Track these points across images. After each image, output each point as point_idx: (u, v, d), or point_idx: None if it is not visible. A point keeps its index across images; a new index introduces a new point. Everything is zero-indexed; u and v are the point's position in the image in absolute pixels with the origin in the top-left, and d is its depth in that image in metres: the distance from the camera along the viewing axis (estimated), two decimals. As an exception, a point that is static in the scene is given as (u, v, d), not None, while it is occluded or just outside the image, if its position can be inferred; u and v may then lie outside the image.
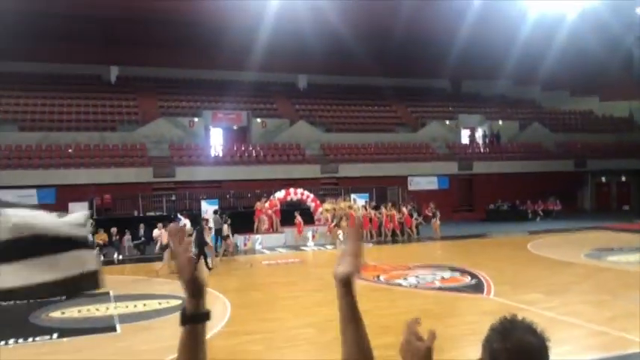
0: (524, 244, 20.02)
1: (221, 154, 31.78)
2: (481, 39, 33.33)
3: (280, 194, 24.08)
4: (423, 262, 16.50)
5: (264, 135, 34.27)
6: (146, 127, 31.44)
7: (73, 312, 11.51)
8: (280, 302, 12.19)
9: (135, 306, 11.84)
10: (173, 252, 1.67)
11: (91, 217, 23.59)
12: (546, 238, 22.17)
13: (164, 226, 17.95)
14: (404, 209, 23.95)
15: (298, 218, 22.39)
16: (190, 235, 18.16)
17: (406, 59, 38.07)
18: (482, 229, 25.56)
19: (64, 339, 9.54)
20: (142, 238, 20.98)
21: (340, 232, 22.51)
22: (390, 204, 24.97)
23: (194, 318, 1.63)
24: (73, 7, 27.89)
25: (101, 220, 23.02)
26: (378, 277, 14.48)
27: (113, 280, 15.64)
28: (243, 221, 21.73)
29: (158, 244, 18.13)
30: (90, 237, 2.61)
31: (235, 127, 35.86)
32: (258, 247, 21.56)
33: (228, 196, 27.51)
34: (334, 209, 23.09)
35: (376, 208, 24.17)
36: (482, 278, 13.53)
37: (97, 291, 2.42)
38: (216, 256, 18.08)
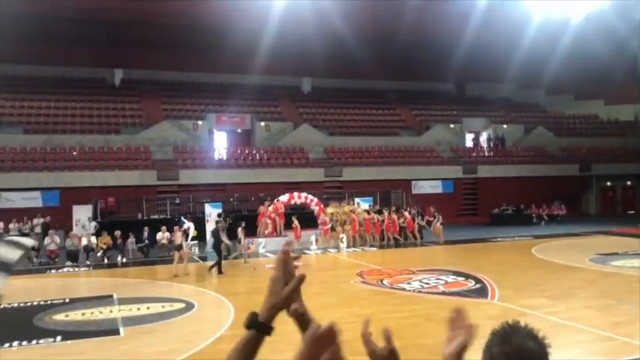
0: (529, 249, 19.94)
1: (225, 158, 31.83)
2: (485, 42, 33.31)
3: (284, 198, 24.05)
4: (427, 267, 16.44)
5: (267, 138, 34.31)
6: (150, 130, 31.53)
7: (77, 315, 11.51)
8: (283, 306, 12.16)
9: (138, 309, 11.84)
10: (276, 277, 1.66)
11: (95, 219, 23.67)
12: (551, 242, 22.07)
13: (180, 228, 18.19)
14: (406, 213, 23.87)
15: (295, 223, 22.28)
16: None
17: (410, 62, 38.08)
18: (487, 234, 25.47)
19: (68, 341, 9.54)
20: (146, 241, 20.99)
21: (343, 235, 22.50)
22: (394, 207, 24.94)
23: (262, 327, 1.61)
24: (77, 11, 28.02)
25: (105, 223, 23.08)
26: (382, 281, 14.45)
27: (117, 283, 15.68)
28: (246, 224, 21.67)
29: (172, 244, 18.21)
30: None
31: (239, 131, 35.92)
32: (261, 250, 21.54)
33: (231, 200, 27.52)
34: (331, 213, 23.02)
35: (379, 212, 24.12)
36: (486, 282, 13.48)
37: None
38: (225, 258, 18.12)
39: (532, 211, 30.88)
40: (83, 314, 11.55)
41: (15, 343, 9.32)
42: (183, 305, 11.97)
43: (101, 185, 26.55)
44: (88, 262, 19.75)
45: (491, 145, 38.34)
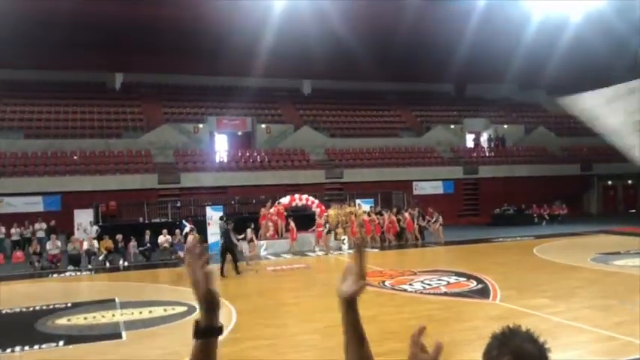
0: (530, 249, 19.93)
1: (226, 160, 31.85)
2: (485, 42, 33.30)
3: (285, 200, 24.07)
4: (429, 268, 16.44)
5: (268, 140, 34.34)
6: (151, 134, 31.56)
7: (79, 319, 11.52)
8: (285, 308, 12.18)
9: (140, 313, 11.84)
10: (188, 266, 1.66)
11: (97, 223, 23.69)
12: (552, 242, 22.06)
13: (191, 231, 18.47)
14: (406, 214, 23.84)
15: (291, 224, 22.24)
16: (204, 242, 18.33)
17: (410, 63, 38.05)
18: (488, 234, 25.45)
19: (70, 346, 9.55)
20: (148, 245, 21.01)
21: (345, 237, 22.50)
22: (395, 209, 24.94)
23: (208, 332, 1.62)
24: (77, 15, 28.02)
25: (106, 226, 23.10)
26: (384, 282, 14.44)
27: (119, 287, 15.69)
28: (240, 227, 21.66)
29: (173, 247, 18.27)
30: None
31: (240, 133, 35.94)
32: (263, 252, 21.54)
33: (233, 202, 27.53)
34: (327, 216, 22.96)
35: (379, 213, 24.10)
36: (488, 283, 13.48)
37: None
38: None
39: (533, 211, 30.86)
40: (85, 318, 11.57)
41: (17, 348, 9.33)
42: (185, 308, 11.97)
43: (102, 189, 26.57)
44: (89, 266, 19.77)
45: (492, 145, 38.33)
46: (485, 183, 33.52)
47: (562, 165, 35.35)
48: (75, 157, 28.71)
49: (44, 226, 23.69)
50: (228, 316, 11.14)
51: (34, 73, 33.59)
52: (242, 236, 19.09)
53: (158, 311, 11.91)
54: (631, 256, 17.12)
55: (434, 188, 32.52)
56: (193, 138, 32.91)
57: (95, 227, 23.05)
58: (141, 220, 25.37)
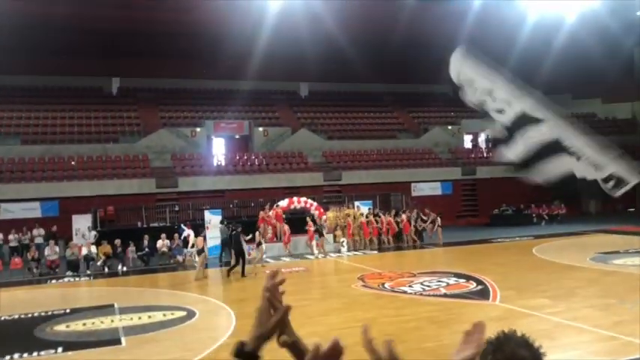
0: (530, 249, 19.93)
1: (223, 164, 31.82)
2: (481, 43, 33.34)
3: (283, 203, 24.03)
4: (428, 269, 16.43)
5: (266, 143, 34.32)
6: (148, 138, 31.53)
7: (78, 325, 11.48)
8: (285, 311, 12.12)
9: (139, 318, 11.80)
10: (265, 303, 1.66)
11: (95, 229, 23.63)
12: (551, 242, 22.06)
13: (200, 233, 18.58)
14: (403, 216, 23.78)
15: (285, 227, 22.14)
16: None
17: (406, 65, 38.08)
18: (487, 234, 25.46)
19: (69, 352, 9.51)
20: (146, 249, 20.95)
21: (344, 239, 22.47)
22: (393, 211, 24.91)
23: (249, 357, 1.60)
24: (73, 20, 28.02)
25: (105, 232, 23.03)
26: (384, 284, 14.42)
27: (118, 292, 15.64)
28: (246, 230, 21.62)
29: (194, 248, 18.43)
30: None
31: (237, 137, 35.94)
32: (253, 256, 21.42)
33: (231, 206, 27.48)
34: (313, 220, 22.76)
35: (377, 215, 24.04)
36: (487, 284, 13.46)
37: None
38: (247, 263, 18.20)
39: (532, 210, 30.86)
40: (84, 324, 11.52)
41: (16, 355, 9.29)
42: (184, 313, 11.95)
43: (100, 194, 26.51)
44: (88, 272, 19.71)
45: (490, 145, 38.34)
46: (484, 183, 33.52)
47: (560, 164, 35.32)
48: (72, 163, 28.66)
49: (42, 232, 23.61)
50: (227, 320, 11.12)
51: (31, 78, 33.55)
52: (249, 237, 19.26)
53: (157, 316, 11.87)
54: (630, 255, 17.13)
55: (432, 189, 32.52)
56: (191, 142, 32.88)
57: (93, 232, 23.00)
58: (139, 224, 25.31)
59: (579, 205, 35.53)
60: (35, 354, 9.41)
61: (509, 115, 3.42)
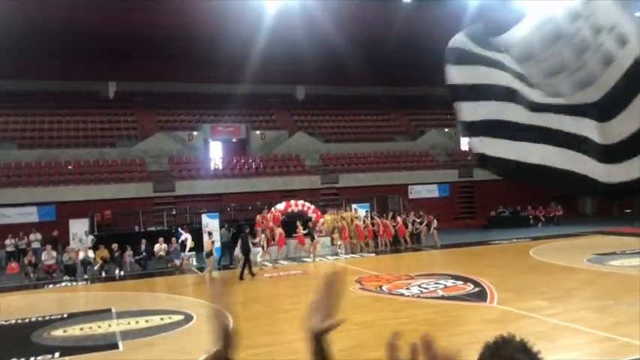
0: (527, 251, 19.95)
1: (221, 167, 31.81)
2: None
3: (281, 206, 24.02)
4: (426, 271, 16.43)
5: (263, 147, 34.34)
6: (145, 142, 31.52)
7: (75, 330, 11.45)
8: (283, 315, 12.12)
9: (137, 322, 11.78)
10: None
11: (92, 233, 23.59)
12: (548, 243, 22.10)
13: (209, 236, 18.65)
14: (398, 219, 23.74)
15: (279, 230, 22.09)
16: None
17: (403, 68, 38.18)
18: (484, 236, 25.48)
19: (67, 357, 9.49)
20: (144, 254, 20.91)
21: (340, 242, 22.47)
22: (391, 213, 24.91)
23: None
24: (70, 24, 28.01)
25: (102, 236, 23.00)
26: (381, 287, 14.42)
27: (115, 297, 15.61)
28: (263, 233, 21.55)
29: (204, 251, 18.46)
30: None
31: (234, 140, 35.94)
32: (259, 259, 21.42)
33: (228, 209, 27.48)
34: (310, 222, 22.70)
35: (372, 218, 23.99)
36: (484, 286, 13.47)
37: None
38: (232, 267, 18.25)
39: (529, 212, 30.93)
40: (82, 329, 11.49)
41: (13, 361, 9.26)
42: (181, 317, 11.93)
43: (97, 198, 26.48)
44: (85, 276, 19.65)
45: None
46: (481, 186, 33.54)
47: (556, 166, 35.41)
48: (69, 167, 28.62)
49: (39, 236, 23.56)
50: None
51: (27, 82, 33.51)
52: (257, 240, 19.35)
53: (155, 320, 11.85)
54: (627, 257, 17.16)
55: (429, 192, 32.56)
56: (188, 145, 32.87)
57: (90, 237, 22.95)
58: (136, 228, 25.29)
59: (576, 207, 35.61)
60: (32, 359, 9.38)
61: None
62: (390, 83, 40.27)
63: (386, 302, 12.72)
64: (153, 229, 25.09)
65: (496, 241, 23.58)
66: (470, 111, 2.70)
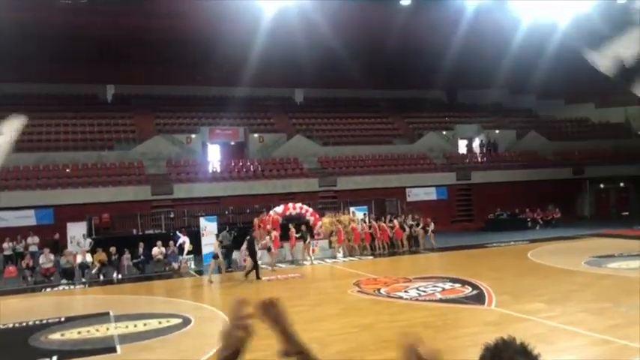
0: (525, 253, 19.97)
1: (219, 170, 31.79)
2: (475, 48, 33.50)
3: (279, 209, 24.00)
4: (424, 274, 16.44)
5: (261, 150, 34.34)
6: (143, 145, 31.49)
7: (73, 333, 11.43)
8: (281, 318, 12.10)
9: (135, 326, 11.76)
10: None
11: (90, 236, 23.54)
12: (546, 246, 22.12)
13: (217, 238, 18.93)
14: (395, 222, 23.71)
15: (274, 234, 22.04)
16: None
17: (400, 71, 38.27)
18: (482, 239, 25.48)
19: (64, 361, 9.47)
20: (142, 257, 20.87)
21: (338, 245, 22.47)
22: (389, 216, 24.91)
23: None
24: (68, 28, 28.04)
25: (100, 239, 22.95)
26: (379, 290, 14.42)
27: (113, 300, 15.58)
28: (242, 237, 21.57)
29: (215, 254, 18.58)
30: None
31: (233, 143, 35.94)
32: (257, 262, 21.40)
33: (227, 212, 27.45)
34: (301, 225, 22.54)
35: (368, 221, 23.94)
36: (483, 289, 13.48)
37: None
38: (230, 271, 18.25)
39: (527, 215, 30.94)
40: (79, 333, 11.47)
41: (11, 364, 9.23)
42: (179, 321, 11.91)
43: (95, 202, 26.43)
44: (83, 280, 19.62)
45: (484, 150, 38.48)
46: (479, 188, 33.60)
47: (554, 169, 35.51)
48: (67, 170, 28.58)
49: (37, 240, 23.50)
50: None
51: (25, 86, 33.50)
52: (264, 242, 19.48)
53: (153, 324, 11.83)
54: (625, 259, 17.19)
55: (427, 194, 32.56)
56: (186, 148, 32.85)
57: (88, 240, 22.91)
58: (134, 232, 25.24)
59: (574, 210, 35.68)
60: (30, 363, 9.36)
61: None
62: (388, 86, 40.34)
63: (384, 305, 12.71)
64: (151, 232, 25.06)
65: (494, 244, 23.59)
66: None
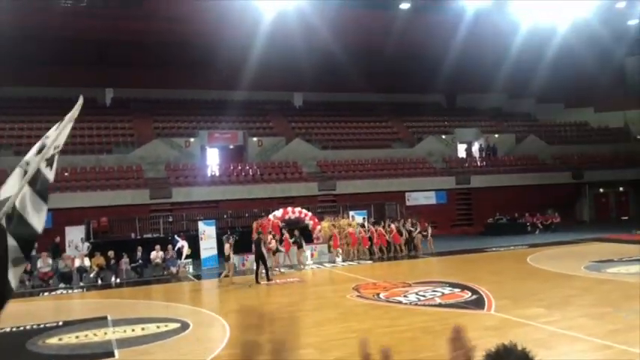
0: (524, 258, 19.93)
1: (218, 174, 31.76)
2: (474, 53, 33.57)
3: (278, 213, 23.95)
4: (423, 279, 16.39)
5: (260, 154, 34.31)
6: (142, 149, 31.46)
7: (71, 338, 11.37)
8: (279, 323, 12.04)
9: (133, 330, 11.70)
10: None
11: (88, 240, 23.48)
12: (546, 250, 22.08)
13: (227, 240, 18.51)
14: (392, 226, 23.64)
15: (270, 237, 21.97)
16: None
17: (400, 75, 38.30)
18: (482, 244, 25.45)
19: (61, 366, 9.41)
20: (140, 261, 20.81)
21: (339, 250, 22.41)
22: (388, 220, 24.85)
23: None
24: (66, 31, 28.06)
25: (98, 243, 22.90)
26: (378, 294, 14.37)
27: (111, 304, 15.52)
28: (241, 241, 21.53)
29: (225, 256, 18.43)
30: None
31: (231, 147, 35.92)
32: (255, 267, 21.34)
33: (225, 216, 27.42)
34: (289, 230, 22.40)
35: (363, 225, 23.85)
36: (482, 293, 13.44)
37: None
38: (227, 275, 18.14)
39: (526, 219, 30.91)
40: (77, 337, 11.41)
41: (7, 369, 9.18)
42: (178, 325, 11.86)
43: (94, 205, 26.38)
44: (81, 284, 19.56)
45: (484, 154, 38.48)
46: (478, 193, 33.59)
47: (553, 173, 35.53)
48: (66, 174, 28.51)
49: (35, 243, 23.43)
50: (222, 332, 11.03)
51: (24, 89, 33.48)
52: (271, 245, 19.62)
53: (151, 328, 11.78)
54: (624, 264, 17.16)
55: (427, 199, 32.54)
56: (185, 152, 32.82)
57: (86, 244, 22.87)
58: (133, 235, 25.18)
59: (573, 214, 35.67)
60: (27, 368, 9.30)
61: None
62: (387, 90, 40.36)
63: (383, 310, 12.66)
64: (149, 236, 25.00)
65: (493, 249, 23.56)
66: None
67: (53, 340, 11.24)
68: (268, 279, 17.75)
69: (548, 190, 33.48)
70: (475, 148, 39.52)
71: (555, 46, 32.41)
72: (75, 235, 24.08)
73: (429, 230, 23.88)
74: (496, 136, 39.51)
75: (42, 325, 12.67)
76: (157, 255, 20.87)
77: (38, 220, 2.50)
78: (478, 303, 12.50)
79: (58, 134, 2.61)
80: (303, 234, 22.18)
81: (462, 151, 39.63)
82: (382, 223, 23.91)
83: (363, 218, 25.10)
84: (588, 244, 23.58)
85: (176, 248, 21.44)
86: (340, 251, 22.40)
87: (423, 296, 13.66)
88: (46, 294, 18.28)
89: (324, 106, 40.45)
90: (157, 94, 37.04)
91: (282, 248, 20.72)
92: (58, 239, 23.61)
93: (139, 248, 21.16)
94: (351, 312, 12.54)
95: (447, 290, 14.22)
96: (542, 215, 31.17)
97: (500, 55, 32.90)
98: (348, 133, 37.62)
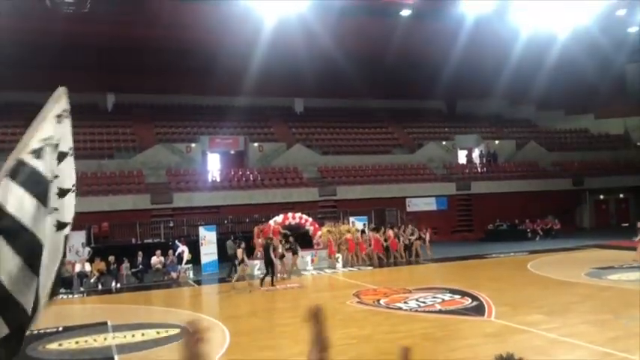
0: (524, 264, 19.92)
1: (218, 180, 31.79)
2: (474, 59, 33.64)
3: (279, 218, 23.96)
4: (423, 285, 16.38)
5: (261, 159, 34.36)
6: (143, 154, 31.50)
7: (71, 343, 11.37)
8: (280, 329, 12.06)
9: (133, 335, 11.70)
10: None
11: (89, 245, 23.47)
12: (546, 257, 22.08)
13: (239, 245, 18.70)
14: (390, 232, 23.61)
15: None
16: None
17: (401, 81, 38.37)
18: (482, 250, 25.44)
19: (62, 371, 9.41)
20: (140, 266, 20.81)
21: (339, 255, 22.41)
22: (389, 226, 24.84)
23: None
24: (69, 36, 28.11)
25: (99, 248, 22.90)
26: (379, 301, 14.37)
27: (111, 310, 15.52)
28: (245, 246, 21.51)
29: (236, 260, 18.53)
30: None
31: (232, 152, 35.97)
32: (256, 272, 21.35)
33: (226, 222, 27.43)
34: (289, 235, 22.31)
35: (363, 232, 23.83)
36: (482, 300, 13.43)
37: None
38: (229, 280, 18.18)
39: (526, 226, 30.91)
40: (77, 343, 11.41)
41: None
42: (178, 331, 11.85)
43: (94, 210, 26.34)
44: (81, 289, 19.55)
45: (484, 161, 38.52)
46: (478, 199, 33.59)
47: (554, 180, 35.54)
48: (67, 179, 28.55)
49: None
50: (221, 338, 11.03)
51: (26, 94, 33.48)
52: (280, 250, 19.64)
53: (151, 334, 11.77)
54: (625, 271, 17.15)
55: (427, 205, 32.54)
56: (186, 157, 32.87)
57: (87, 249, 22.85)
58: (133, 241, 25.20)
59: (574, 221, 35.66)
60: (27, 373, 9.30)
61: None
62: (388, 96, 40.44)
63: (384, 316, 12.66)
64: (150, 241, 25.01)
65: (494, 255, 23.55)
66: None
67: (53, 346, 11.23)
68: (272, 284, 17.79)
69: (549, 197, 33.48)
70: (475, 154, 39.56)
71: (555, 53, 32.47)
72: (76, 240, 24.00)
73: (427, 235, 23.87)
74: (496, 142, 39.56)
75: (42, 331, 12.64)
76: (157, 260, 20.87)
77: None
78: (478, 309, 12.50)
79: (38, 124, 2.47)
80: (298, 240, 22.12)
81: (462, 157, 39.67)
82: (383, 229, 23.89)
83: (364, 224, 25.09)
84: (589, 250, 23.57)
85: (177, 253, 21.43)
86: (340, 257, 22.39)
87: (424, 302, 13.66)
88: (46, 299, 18.22)
89: (325, 112, 40.52)
90: (159, 100, 37.11)
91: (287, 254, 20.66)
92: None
93: (140, 253, 21.17)
94: (351, 318, 12.53)
95: (447, 297, 14.21)
96: (543, 221, 31.16)
97: (500, 62, 32.96)
98: (348, 138, 37.67)
